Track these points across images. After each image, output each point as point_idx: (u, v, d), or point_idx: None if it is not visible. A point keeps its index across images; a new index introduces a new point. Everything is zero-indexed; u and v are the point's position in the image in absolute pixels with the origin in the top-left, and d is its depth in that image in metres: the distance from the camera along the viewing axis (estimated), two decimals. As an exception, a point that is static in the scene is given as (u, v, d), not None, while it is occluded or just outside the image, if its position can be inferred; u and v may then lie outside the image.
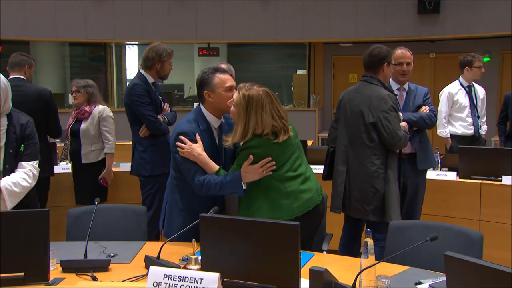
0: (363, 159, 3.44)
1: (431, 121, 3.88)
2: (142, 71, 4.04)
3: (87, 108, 4.38)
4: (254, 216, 2.61)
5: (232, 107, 2.67)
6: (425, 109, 3.91)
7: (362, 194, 3.44)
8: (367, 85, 3.52)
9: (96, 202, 2.70)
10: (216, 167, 2.69)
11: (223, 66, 4.13)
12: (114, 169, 4.60)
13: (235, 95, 2.66)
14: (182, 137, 2.70)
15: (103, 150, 4.40)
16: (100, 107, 4.42)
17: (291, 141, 2.71)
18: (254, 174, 2.60)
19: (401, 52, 3.91)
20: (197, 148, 2.68)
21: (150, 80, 4.04)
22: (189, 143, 2.68)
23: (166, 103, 4.22)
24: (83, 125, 4.36)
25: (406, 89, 3.98)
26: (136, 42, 11.40)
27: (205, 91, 2.76)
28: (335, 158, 3.63)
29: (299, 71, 10.91)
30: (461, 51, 5.83)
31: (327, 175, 3.73)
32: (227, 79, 2.76)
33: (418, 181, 3.95)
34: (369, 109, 3.42)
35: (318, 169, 4.11)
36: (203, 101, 2.81)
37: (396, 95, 3.70)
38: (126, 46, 11.81)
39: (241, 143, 2.67)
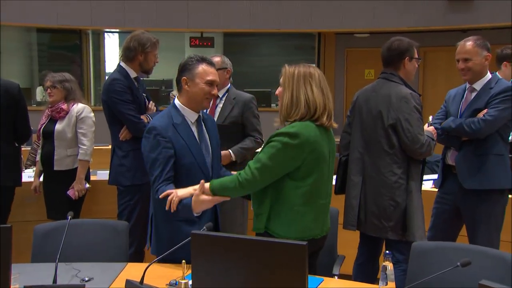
0: (382, 168, 3.45)
1: (470, 129, 3.58)
2: (122, 64, 4.04)
3: (64, 106, 4.37)
4: (262, 216, 2.65)
5: (279, 88, 2.72)
6: (482, 113, 3.63)
7: (380, 208, 3.45)
8: (386, 83, 3.54)
9: (69, 217, 2.69)
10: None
11: (217, 59, 4.17)
12: (92, 177, 4.59)
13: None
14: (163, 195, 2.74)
15: (80, 156, 4.38)
16: (80, 105, 4.41)
17: (332, 147, 2.73)
18: (207, 204, 2.69)
19: (459, 45, 3.76)
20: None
21: (132, 74, 4.03)
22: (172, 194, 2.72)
23: (151, 102, 4.22)
24: (58, 126, 4.35)
25: (478, 89, 3.74)
26: (117, 30, 11.42)
27: (184, 77, 2.91)
28: (348, 167, 3.63)
29: (307, 66, 10.94)
30: (498, 43, 5.81)
31: (340, 188, 3.73)
32: (211, 73, 2.92)
33: (477, 204, 3.65)
34: (389, 110, 3.44)
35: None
36: (179, 89, 2.95)
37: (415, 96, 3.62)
38: (106, 34, 11.82)
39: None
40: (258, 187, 2.64)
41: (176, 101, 2.96)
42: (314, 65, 2.77)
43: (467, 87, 3.82)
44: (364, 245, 3.70)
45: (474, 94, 3.76)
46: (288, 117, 2.66)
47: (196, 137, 2.94)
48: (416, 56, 3.60)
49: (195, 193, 2.68)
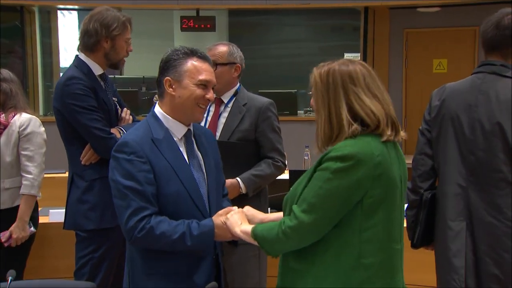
0: (506, 209, 3.36)
1: None
2: (81, 56, 4.05)
3: (1, 117, 4.40)
4: (304, 274, 2.63)
5: (312, 100, 2.75)
6: None
7: (505, 267, 3.34)
8: (498, 79, 3.43)
9: (10, 278, 2.71)
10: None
11: (223, 49, 4.18)
12: (41, 219, 4.60)
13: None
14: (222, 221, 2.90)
15: (23, 189, 4.41)
16: (24, 116, 4.43)
17: (403, 169, 2.74)
18: (227, 234, 2.88)
19: None
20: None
21: (96, 70, 4.05)
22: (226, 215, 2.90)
23: (124, 109, 4.24)
24: (-9, 146, 4.39)
25: None
26: (76, 6, 11.51)
27: (167, 77, 2.99)
28: (438, 208, 3.55)
29: (348, 55, 10.96)
30: None
31: (423, 239, 3.63)
32: (205, 70, 3.00)
33: None
34: None
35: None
36: (160, 94, 3.05)
37: None
38: (59, 12, 11.90)
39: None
40: (310, 238, 2.60)
41: (157, 109, 3.04)
42: (357, 56, 2.79)
43: None
44: None
45: None
46: (330, 143, 2.64)
47: (185, 157, 3.00)
48: None
49: (218, 213, 2.93)
